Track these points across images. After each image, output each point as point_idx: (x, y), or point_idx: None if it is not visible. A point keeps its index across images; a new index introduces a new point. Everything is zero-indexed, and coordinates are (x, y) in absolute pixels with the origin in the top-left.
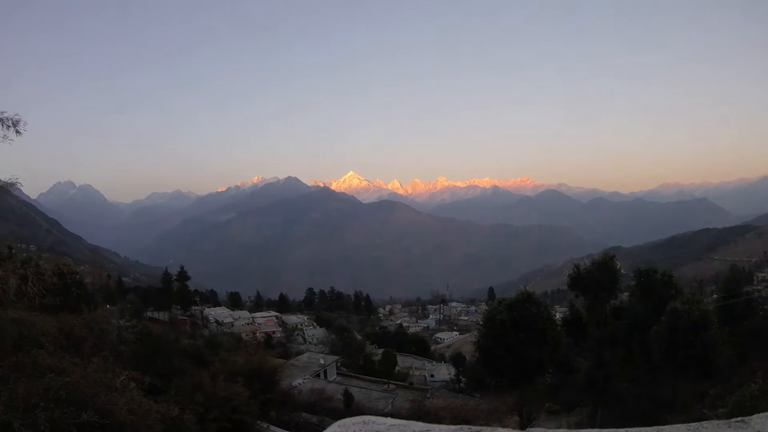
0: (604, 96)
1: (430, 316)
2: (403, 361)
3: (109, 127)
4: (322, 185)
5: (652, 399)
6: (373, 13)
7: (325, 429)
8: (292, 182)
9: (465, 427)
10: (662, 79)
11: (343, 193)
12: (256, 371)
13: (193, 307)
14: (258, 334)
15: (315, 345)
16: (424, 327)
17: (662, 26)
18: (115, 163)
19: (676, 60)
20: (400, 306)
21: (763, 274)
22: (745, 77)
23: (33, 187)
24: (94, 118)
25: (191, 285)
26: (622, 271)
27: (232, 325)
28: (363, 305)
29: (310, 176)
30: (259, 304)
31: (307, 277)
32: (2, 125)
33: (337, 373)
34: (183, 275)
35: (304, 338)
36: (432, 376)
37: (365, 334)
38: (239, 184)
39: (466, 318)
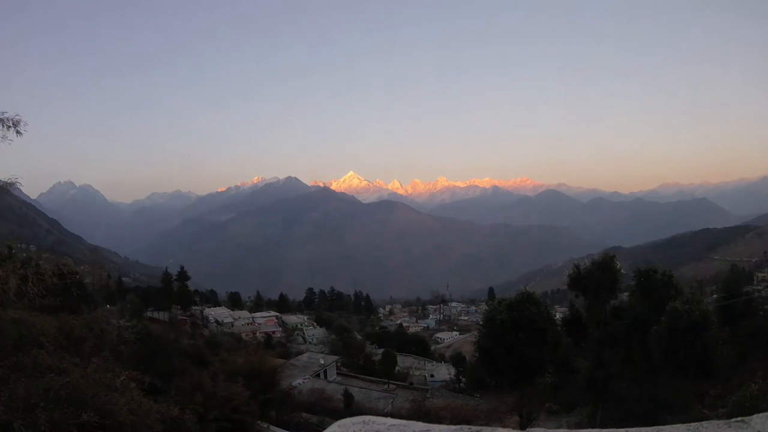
0: (604, 96)
1: (430, 316)
2: (403, 361)
3: (109, 127)
4: (322, 185)
5: (652, 399)
6: (374, 13)
7: (325, 429)
8: (292, 182)
9: (465, 427)
10: (662, 79)
11: (343, 193)
12: (256, 371)
13: (193, 307)
14: (258, 334)
15: (315, 345)
16: (424, 327)
17: (662, 26)
18: (115, 163)
19: (676, 60)
20: (400, 306)
21: (763, 274)
22: (744, 77)
23: (33, 187)
24: (94, 118)
25: (191, 285)
26: (622, 271)
27: (232, 325)
28: (363, 305)
29: (310, 176)
30: (259, 304)
31: (307, 277)
32: (2, 125)
33: (337, 373)
34: (183, 275)
35: (304, 338)
36: (432, 376)
37: (365, 334)
38: (239, 184)
39: (466, 318)
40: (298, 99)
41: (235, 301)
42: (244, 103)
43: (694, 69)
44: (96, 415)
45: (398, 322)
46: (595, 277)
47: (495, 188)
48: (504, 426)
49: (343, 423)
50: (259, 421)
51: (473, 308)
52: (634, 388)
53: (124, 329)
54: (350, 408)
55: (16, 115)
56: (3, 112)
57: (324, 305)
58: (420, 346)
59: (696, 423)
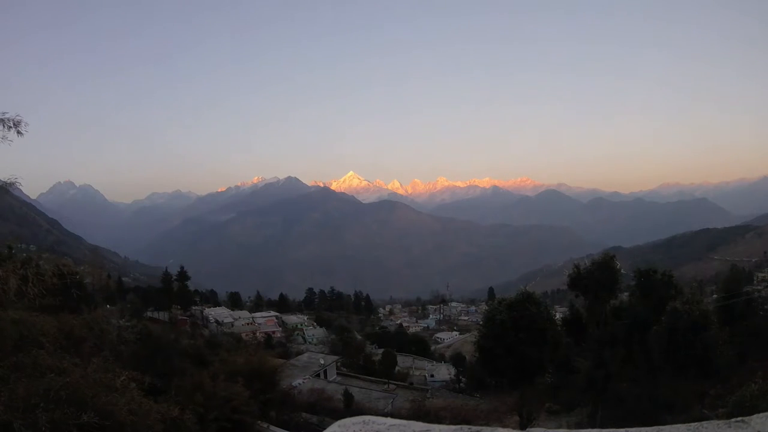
0: (605, 96)
1: (430, 316)
2: (403, 361)
3: (109, 126)
4: (322, 185)
5: (652, 399)
6: (374, 12)
7: (325, 429)
8: (292, 182)
9: (465, 427)
10: (662, 79)
11: (343, 193)
12: (256, 371)
13: (193, 307)
14: (258, 334)
15: (315, 345)
16: (424, 327)
17: (662, 26)
18: (115, 163)
19: (677, 60)
20: (400, 306)
21: (763, 274)
22: (745, 77)
23: (33, 187)
24: (93, 117)
25: (191, 285)
26: (622, 271)
27: (232, 325)
28: (363, 305)
29: (310, 176)
30: (259, 304)
31: (308, 277)
32: (3, 126)
33: (337, 373)
34: (183, 275)
35: (304, 338)
36: (432, 376)
37: (365, 334)
38: (239, 184)
39: (466, 318)
40: (298, 99)
41: (235, 301)
42: (244, 103)
43: (695, 69)
44: (96, 415)
45: (398, 322)
46: (595, 277)
47: (495, 188)
48: (504, 426)
49: (343, 423)
50: (259, 421)
51: (473, 308)
52: (634, 388)
53: (124, 329)
54: (350, 408)
55: (17, 115)
56: (4, 113)
57: (324, 305)
58: (420, 346)
59: (696, 423)
